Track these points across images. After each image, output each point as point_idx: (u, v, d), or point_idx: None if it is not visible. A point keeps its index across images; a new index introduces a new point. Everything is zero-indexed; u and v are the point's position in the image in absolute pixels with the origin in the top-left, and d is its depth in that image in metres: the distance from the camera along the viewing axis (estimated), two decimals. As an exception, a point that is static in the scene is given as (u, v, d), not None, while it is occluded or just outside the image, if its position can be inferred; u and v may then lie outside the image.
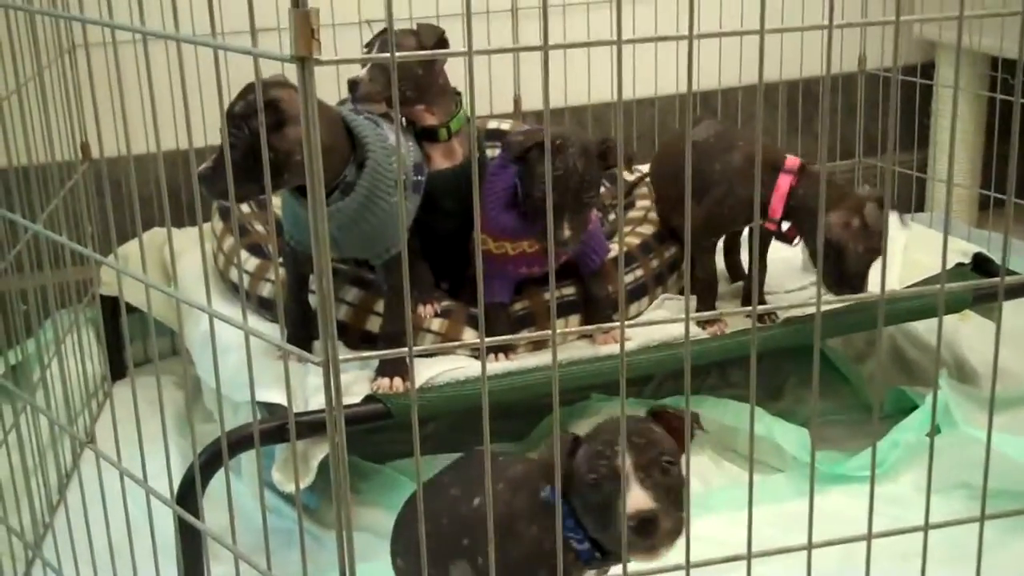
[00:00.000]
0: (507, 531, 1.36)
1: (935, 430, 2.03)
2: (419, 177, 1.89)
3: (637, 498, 1.21)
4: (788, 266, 2.14)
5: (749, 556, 1.04)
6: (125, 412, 1.36)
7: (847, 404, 2.30)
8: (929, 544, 1.11)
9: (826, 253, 1.92)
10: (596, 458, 1.26)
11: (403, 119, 2.00)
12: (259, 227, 2.17)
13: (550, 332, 0.97)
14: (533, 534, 1.35)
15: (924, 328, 2.47)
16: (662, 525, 1.20)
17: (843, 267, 1.93)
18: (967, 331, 2.45)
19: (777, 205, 1.98)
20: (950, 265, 2.26)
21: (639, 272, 2.10)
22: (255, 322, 2.00)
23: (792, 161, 1.99)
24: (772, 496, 1.91)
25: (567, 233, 1.76)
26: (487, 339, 0.95)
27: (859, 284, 1.95)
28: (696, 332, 1.99)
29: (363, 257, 1.85)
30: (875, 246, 1.93)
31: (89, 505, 1.42)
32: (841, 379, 2.37)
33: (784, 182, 1.97)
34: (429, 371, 1.84)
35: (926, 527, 1.09)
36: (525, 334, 1.95)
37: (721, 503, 1.93)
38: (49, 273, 1.76)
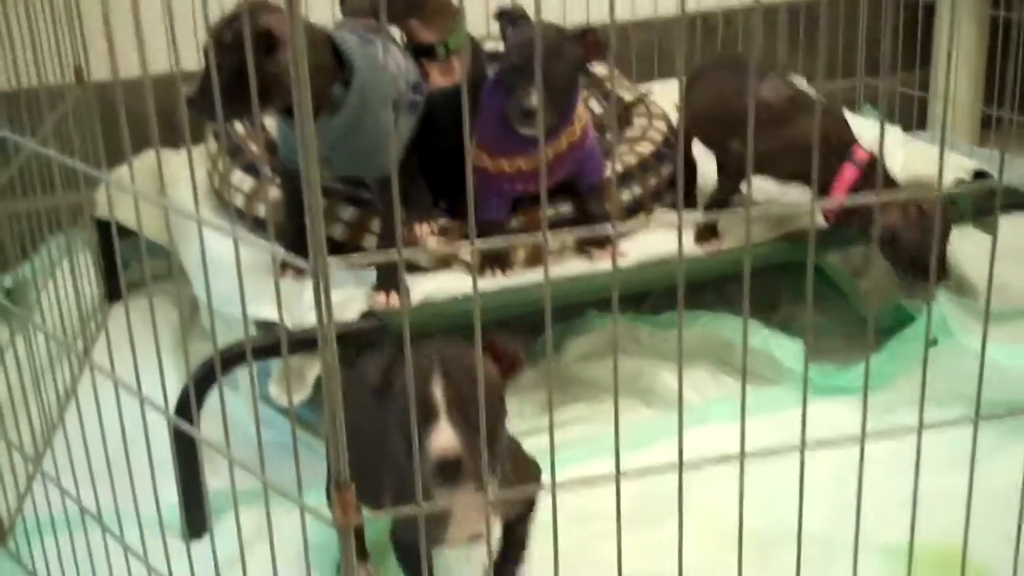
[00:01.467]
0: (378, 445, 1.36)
1: (933, 342, 2.06)
2: (416, 96, 1.87)
3: (441, 438, 1.16)
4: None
5: (742, 456, 1.04)
6: (122, 333, 1.35)
7: (844, 318, 2.30)
8: (925, 452, 1.11)
9: (886, 241, 1.93)
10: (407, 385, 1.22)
11: (402, 36, 1.98)
12: (254, 147, 2.15)
13: (541, 237, 0.96)
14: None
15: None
16: (465, 466, 1.16)
17: (905, 254, 1.94)
18: (965, 246, 2.44)
19: (838, 194, 1.95)
20: (949, 180, 2.24)
21: (637, 190, 2.09)
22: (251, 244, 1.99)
23: (862, 154, 1.97)
24: (768, 407, 1.91)
25: (533, 100, 1.74)
26: (479, 243, 0.94)
27: (925, 270, 1.96)
28: (694, 250, 1.99)
29: (358, 175, 1.84)
30: (931, 228, 1.92)
31: (88, 421, 1.42)
32: (838, 293, 2.37)
33: (850, 173, 1.96)
34: (425, 287, 1.83)
35: (920, 427, 1.09)
36: (519, 237, 1.93)
37: (717, 414, 1.94)
38: (41, 196, 1.76)
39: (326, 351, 0.92)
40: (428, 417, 1.17)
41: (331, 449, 0.93)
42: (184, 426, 1.24)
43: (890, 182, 1.98)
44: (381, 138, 1.72)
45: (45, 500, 1.57)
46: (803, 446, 1.08)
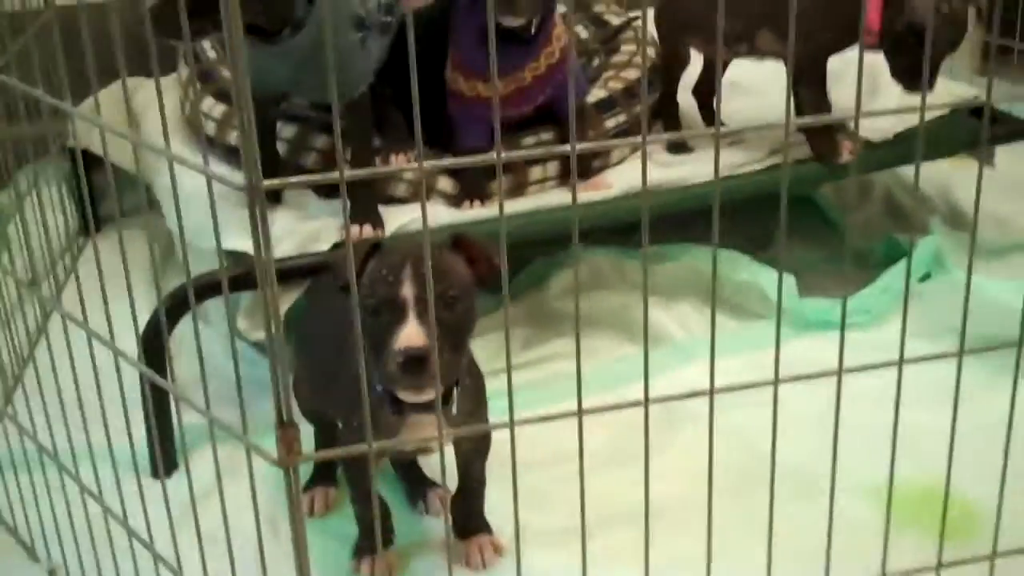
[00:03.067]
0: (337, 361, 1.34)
1: (926, 276, 2.00)
2: (388, 18, 1.80)
3: (409, 334, 1.16)
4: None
5: (712, 392, 0.99)
6: (94, 268, 1.30)
7: (837, 253, 2.24)
8: (913, 389, 1.06)
9: (904, 38, 1.80)
10: (377, 282, 1.19)
11: None
12: (226, 73, 2.08)
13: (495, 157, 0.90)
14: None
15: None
16: (431, 364, 1.15)
17: (919, 55, 1.78)
18: (962, 179, 2.39)
19: (874, 16, 1.84)
20: (947, 110, 2.16)
21: (621, 118, 2.02)
22: (221, 169, 1.93)
23: None
24: (754, 343, 1.86)
25: None
26: (428, 165, 0.89)
27: (930, 78, 1.82)
28: (675, 178, 1.92)
29: (327, 100, 1.77)
30: (957, 38, 1.81)
31: (57, 361, 1.37)
32: (833, 228, 2.32)
33: None
34: (401, 218, 1.78)
35: (900, 361, 1.04)
36: (474, 159, 1.86)
37: (703, 351, 1.88)
38: (7, 127, 1.70)
39: (266, 285, 0.87)
40: (397, 315, 1.17)
41: (274, 386, 0.89)
42: (140, 367, 1.19)
43: None
44: (347, 60, 1.66)
45: (11, 439, 1.53)
46: (776, 379, 1.03)
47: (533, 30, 1.78)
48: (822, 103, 1.95)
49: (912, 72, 1.83)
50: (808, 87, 1.92)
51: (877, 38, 1.86)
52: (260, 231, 0.85)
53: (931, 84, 1.83)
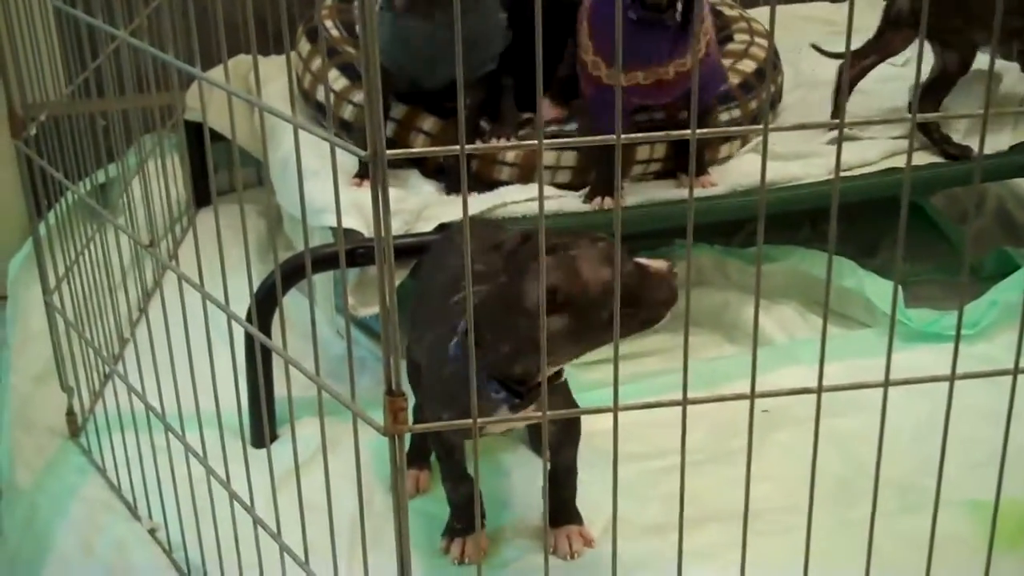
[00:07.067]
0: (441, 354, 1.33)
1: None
2: None
3: None
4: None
5: (820, 390, 0.98)
6: (206, 238, 1.32)
7: (946, 264, 2.20)
8: (1018, 407, 1.02)
9: None
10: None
11: None
12: (350, 49, 2.09)
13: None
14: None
15: (1035, 189, 2.35)
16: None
17: None
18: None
19: None
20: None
21: (736, 112, 1.99)
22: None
23: None
24: (858, 351, 1.83)
25: None
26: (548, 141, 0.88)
27: None
28: (785, 177, 1.90)
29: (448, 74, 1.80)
30: None
31: (165, 324, 1.40)
32: (942, 239, 2.27)
33: None
34: (507, 198, 1.78)
35: (1015, 371, 1.01)
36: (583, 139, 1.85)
37: (805, 355, 1.86)
38: (132, 95, 1.73)
39: (383, 258, 0.88)
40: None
41: (384, 356, 0.90)
42: (252, 330, 1.22)
43: None
44: (493, 36, 1.75)
45: (120, 398, 1.57)
46: (887, 382, 1.01)
47: (677, 16, 1.68)
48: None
49: None
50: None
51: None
52: (380, 202, 0.85)
53: None
